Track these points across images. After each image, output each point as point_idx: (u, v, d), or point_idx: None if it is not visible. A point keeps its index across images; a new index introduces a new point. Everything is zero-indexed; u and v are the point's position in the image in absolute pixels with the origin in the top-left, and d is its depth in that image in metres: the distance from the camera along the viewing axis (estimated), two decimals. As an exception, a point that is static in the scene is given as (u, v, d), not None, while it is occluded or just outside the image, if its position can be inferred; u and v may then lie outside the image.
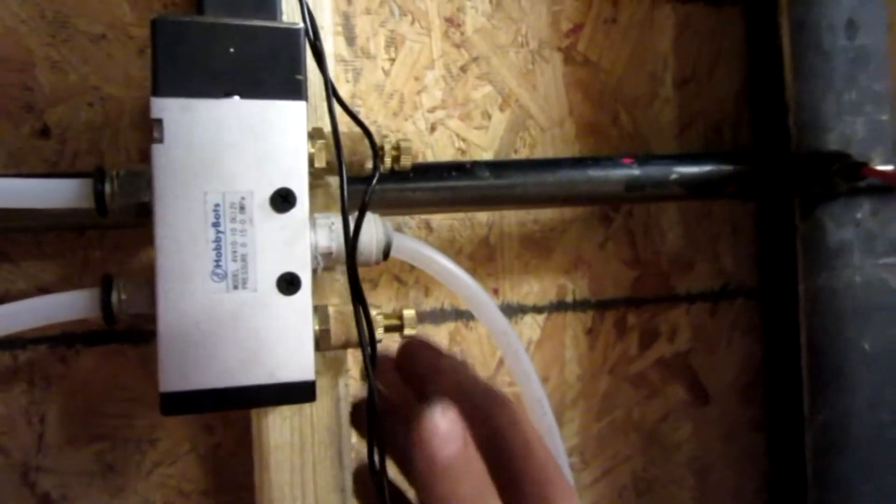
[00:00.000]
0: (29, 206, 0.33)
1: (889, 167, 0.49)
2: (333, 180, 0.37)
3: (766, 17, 0.54)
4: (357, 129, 0.35)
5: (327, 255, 0.34)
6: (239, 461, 0.48)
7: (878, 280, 0.53)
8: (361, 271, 0.49)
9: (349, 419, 0.38)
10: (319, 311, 0.34)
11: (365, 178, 0.37)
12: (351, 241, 0.32)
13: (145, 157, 0.46)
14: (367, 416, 0.32)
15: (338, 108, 0.33)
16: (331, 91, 0.32)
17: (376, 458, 0.31)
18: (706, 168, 0.46)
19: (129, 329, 0.46)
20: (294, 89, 0.32)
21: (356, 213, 0.34)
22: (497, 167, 0.44)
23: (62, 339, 0.46)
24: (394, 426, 0.33)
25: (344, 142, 0.34)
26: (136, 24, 0.46)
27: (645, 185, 0.45)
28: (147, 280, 0.32)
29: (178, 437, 0.47)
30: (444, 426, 0.28)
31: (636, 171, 0.45)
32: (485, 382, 0.33)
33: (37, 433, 0.45)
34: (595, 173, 0.45)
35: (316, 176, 0.34)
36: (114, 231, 0.46)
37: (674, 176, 0.46)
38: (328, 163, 0.34)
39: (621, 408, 0.55)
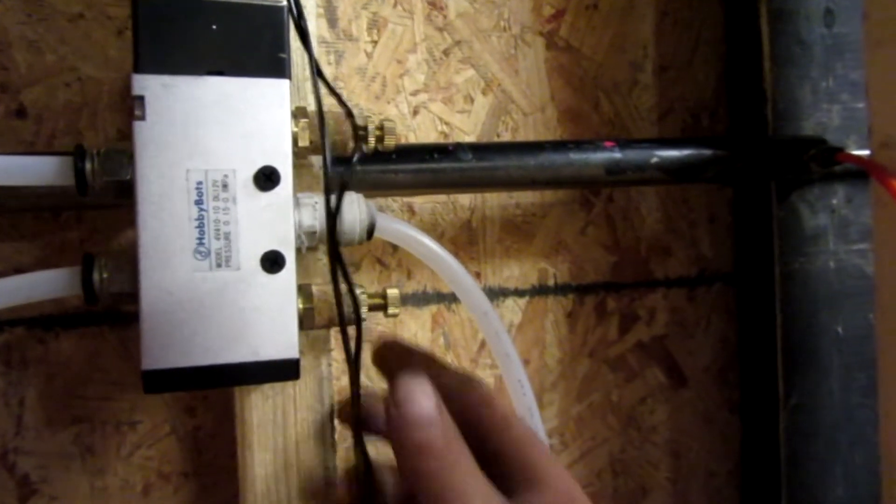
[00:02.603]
0: (6, 183, 0.32)
1: (864, 152, 0.49)
2: (317, 160, 0.37)
3: (746, 5, 0.54)
4: (340, 109, 0.35)
5: (311, 235, 0.34)
6: (219, 443, 0.48)
7: (851, 266, 0.54)
8: (344, 253, 0.49)
9: (338, 415, 0.38)
10: (303, 291, 0.34)
11: (348, 158, 0.38)
12: (331, 217, 0.32)
13: (124, 139, 0.46)
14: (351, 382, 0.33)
15: (321, 87, 0.33)
16: (314, 69, 0.32)
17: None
18: (686, 152, 0.47)
19: (109, 311, 0.46)
20: (277, 67, 0.32)
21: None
22: (479, 149, 0.44)
23: (40, 320, 0.45)
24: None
25: (327, 121, 0.35)
26: (115, 3, 0.45)
27: (625, 169, 0.46)
28: (129, 258, 0.32)
29: (158, 419, 0.47)
30: (418, 402, 0.29)
31: (617, 155, 0.45)
32: (455, 369, 0.35)
33: (15, 415, 0.45)
34: (576, 156, 0.45)
35: (300, 155, 0.34)
36: (91, 212, 0.45)
37: (654, 160, 0.46)
38: (312, 142, 0.34)
39: (600, 391, 0.56)
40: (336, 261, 0.32)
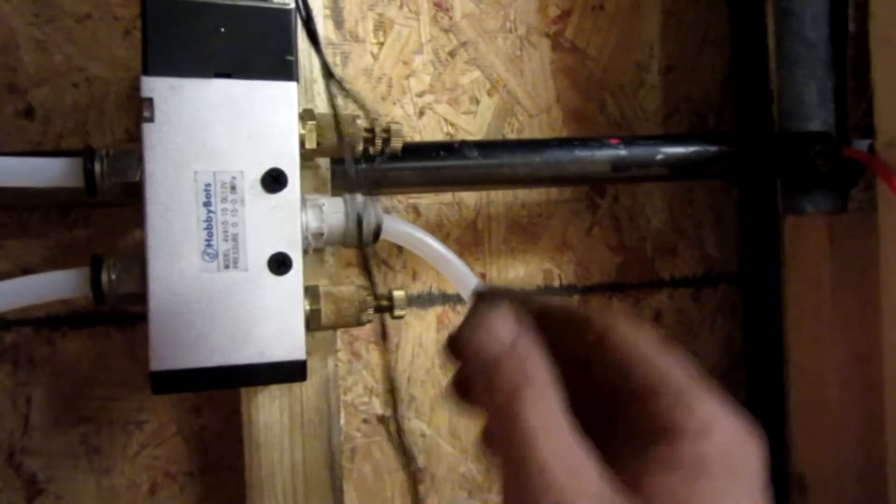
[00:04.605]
0: (17, 185, 0.32)
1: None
2: (324, 162, 0.37)
3: (751, 6, 0.54)
4: (347, 112, 0.35)
5: (318, 236, 0.34)
6: (224, 443, 0.48)
7: (857, 266, 0.54)
8: (348, 254, 0.49)
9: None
10: (310, 292, 0.34)
11: (356, 160, 0.38)
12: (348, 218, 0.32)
13: (131, 139, 0.46)
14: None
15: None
16: (327, 71, 0.33)
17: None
18: (691, 149, 0.47)
19: (115, 311, 0.46)
20: (285, 70, 0.32)
21: (348, 194, 0.34)
22: (485, 147, 0.44)
23: (47, 321, 0.45)
24: None
25: (332, 124, 0.35)
26: (122, 4, 0.46)
27: (631, 166, 0.45)
28: (137, 259, 0.32)
29: (165, 419, 0.47)
30: (490, 321, 0.22)
31: (622, 152, 0.45)
32: (565, 302, 0.28)
33: (22, 415, 0.45)
34: (582, 153, 0.45)
35: (306, 157, 0.34)
36: (99, 212, 0.46)
37: (659, 156, 0.46)
38: (319, 144, 0.34)
39: (605, 391, 0.56)
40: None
